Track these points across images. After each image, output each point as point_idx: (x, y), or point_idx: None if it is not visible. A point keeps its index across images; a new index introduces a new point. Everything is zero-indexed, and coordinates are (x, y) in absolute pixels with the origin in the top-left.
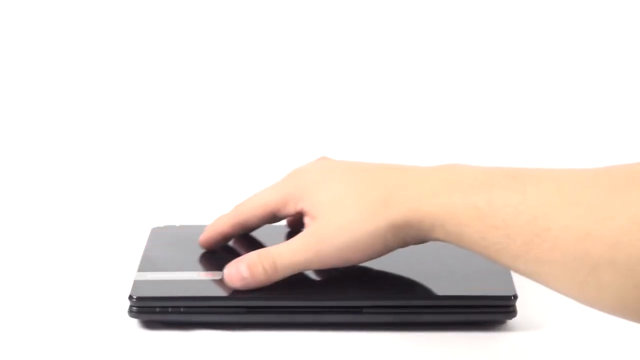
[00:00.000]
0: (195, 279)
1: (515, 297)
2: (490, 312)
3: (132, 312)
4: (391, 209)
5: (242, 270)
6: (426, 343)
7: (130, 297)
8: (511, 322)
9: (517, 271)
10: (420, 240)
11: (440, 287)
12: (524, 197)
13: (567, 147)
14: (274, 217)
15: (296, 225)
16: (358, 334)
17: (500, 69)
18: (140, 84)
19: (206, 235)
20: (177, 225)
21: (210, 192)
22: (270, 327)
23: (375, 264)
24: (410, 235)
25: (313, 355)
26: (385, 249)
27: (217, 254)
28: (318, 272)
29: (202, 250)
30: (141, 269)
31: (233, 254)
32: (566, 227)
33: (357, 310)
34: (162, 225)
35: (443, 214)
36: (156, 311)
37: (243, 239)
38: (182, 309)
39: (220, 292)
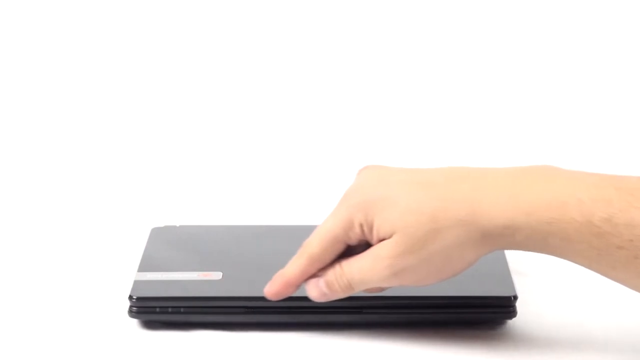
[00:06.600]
0: (195, 279)
1: (515, 297)
2: (490, 312)
3: (132, 312)
4: (480, 221)
5: (322, 287)
6: (426, 343)
7: (130, 297)
8: (511, 322)
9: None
10: (509, 248)
11: (441, 287)
12: None
13: (567, 148)
14: (344, 247)
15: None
16: (358, 334)
17: (500, 69)
18: (141, 85)
19: (274, 288)
20: (177, 225)
21: (210, 192)
22: (270, 327)
23: None
24: (500, 246)
25: (313, 355)
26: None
27: (217, 254)
28: None
29: (202, 250)
30: (141, 269)
31: (233, 254)
32: None
33: (357, 310)
34: (162, 225)
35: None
36: (156, 311)
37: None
38: (182, 309)
39: (220, 292)
